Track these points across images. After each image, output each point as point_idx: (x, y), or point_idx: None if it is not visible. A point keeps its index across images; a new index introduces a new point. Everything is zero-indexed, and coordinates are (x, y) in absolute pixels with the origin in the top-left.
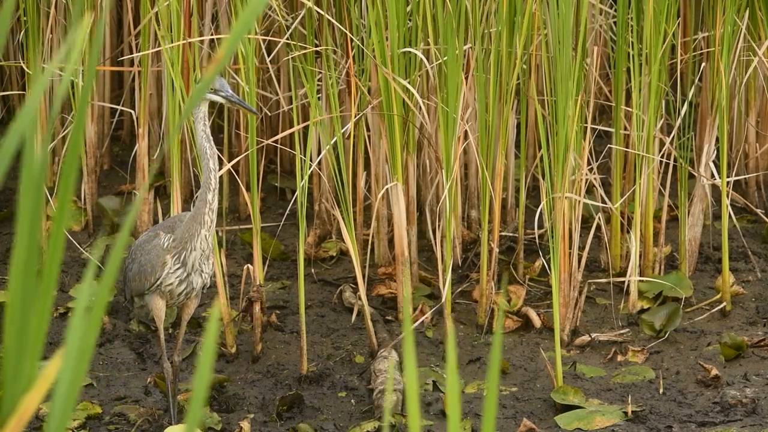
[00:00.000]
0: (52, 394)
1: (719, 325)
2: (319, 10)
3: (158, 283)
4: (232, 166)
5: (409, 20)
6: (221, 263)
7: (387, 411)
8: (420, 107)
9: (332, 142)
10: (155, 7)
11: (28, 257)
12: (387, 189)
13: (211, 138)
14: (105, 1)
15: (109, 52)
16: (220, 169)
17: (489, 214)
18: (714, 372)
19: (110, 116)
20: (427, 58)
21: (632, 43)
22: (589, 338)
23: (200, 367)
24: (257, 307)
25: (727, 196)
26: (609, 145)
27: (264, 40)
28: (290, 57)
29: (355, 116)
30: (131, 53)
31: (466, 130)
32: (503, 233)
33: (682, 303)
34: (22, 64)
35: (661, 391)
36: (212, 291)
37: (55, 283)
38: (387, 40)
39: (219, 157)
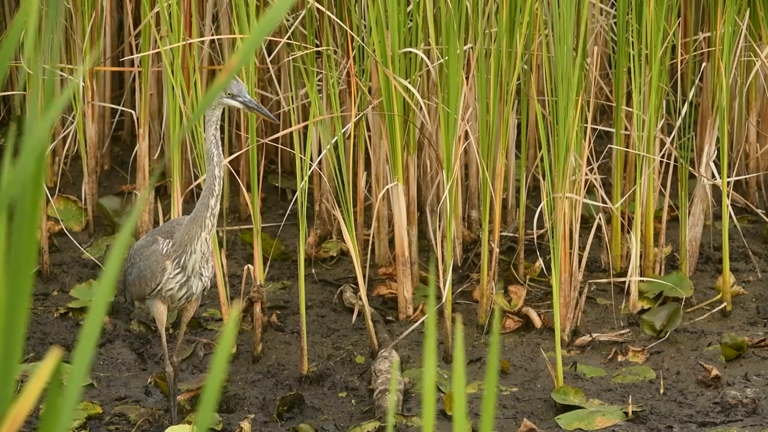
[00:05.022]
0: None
1: (720, 326)
2: (320, 7)
3: (158, 288)
4: (232, 167)
5: (410, 20)
6: (222, 264)
7: (390, 411)
8: (420, 107)
9: (333, 142)
10: (155, 7)
11: (18, 260)
12: (387, 189)
13: (221, 145)
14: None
15: (109, 52)
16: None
17: (489, 214)
18: (714, 372)
19: (111, 116)
20: (428, 58)
21: (633, 43)
22: (590, 338)
23: (212, 372)
24: (258, 308)
25: (728, 197)
26: (609, 146)
27: (264, 40)
28: (291, 57)
29: (356, 116)
30: (132, 53)
31: (466, 130)
32: (503, 233)
33: (683, 303)
34: (22, 64)
35: (661, 391)
36: (213, 291)
37: (29, 282)
38: (388, 39)
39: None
